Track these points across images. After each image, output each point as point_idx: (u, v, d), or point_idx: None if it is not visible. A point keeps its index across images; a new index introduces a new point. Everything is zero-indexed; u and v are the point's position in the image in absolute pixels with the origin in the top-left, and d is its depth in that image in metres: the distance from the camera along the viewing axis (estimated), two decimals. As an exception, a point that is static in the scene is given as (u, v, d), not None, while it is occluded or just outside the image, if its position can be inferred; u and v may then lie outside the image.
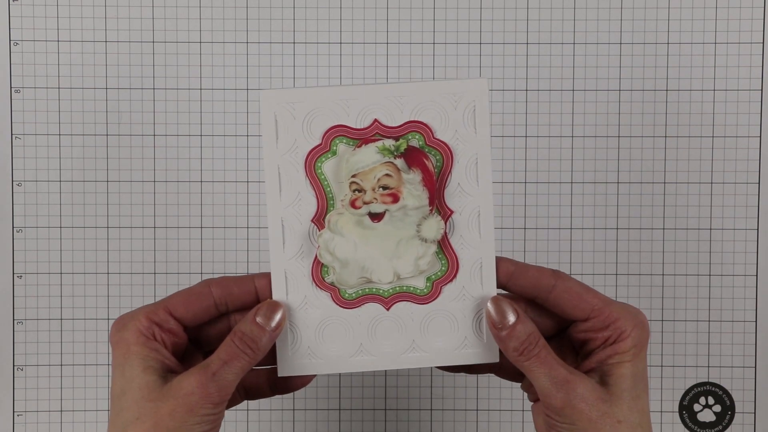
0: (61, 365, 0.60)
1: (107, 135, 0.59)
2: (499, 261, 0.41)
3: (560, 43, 0.59)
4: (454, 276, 0.41)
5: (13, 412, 0.59)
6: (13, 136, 0.59)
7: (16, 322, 0.59)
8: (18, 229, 0.59)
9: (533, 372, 0.39)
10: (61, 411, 0.60)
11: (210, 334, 0.42)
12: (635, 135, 0.59)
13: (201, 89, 0.59)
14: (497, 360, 0.42)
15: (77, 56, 0.59)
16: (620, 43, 0.59)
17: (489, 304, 0.40)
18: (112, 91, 0.59)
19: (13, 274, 0.59)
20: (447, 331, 0.41)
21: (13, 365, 0.59)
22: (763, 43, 0.59)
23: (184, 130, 0.59)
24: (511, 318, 0.39)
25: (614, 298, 0.60)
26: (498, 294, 0.41)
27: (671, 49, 0.59)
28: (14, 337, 0.59)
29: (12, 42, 0.58)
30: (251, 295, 0.41)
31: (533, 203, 0.59)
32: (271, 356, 0.41)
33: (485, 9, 0.59)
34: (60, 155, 0.59)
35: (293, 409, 0.60)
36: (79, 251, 0.59)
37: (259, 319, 0.39)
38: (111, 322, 0.59)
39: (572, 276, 0.59)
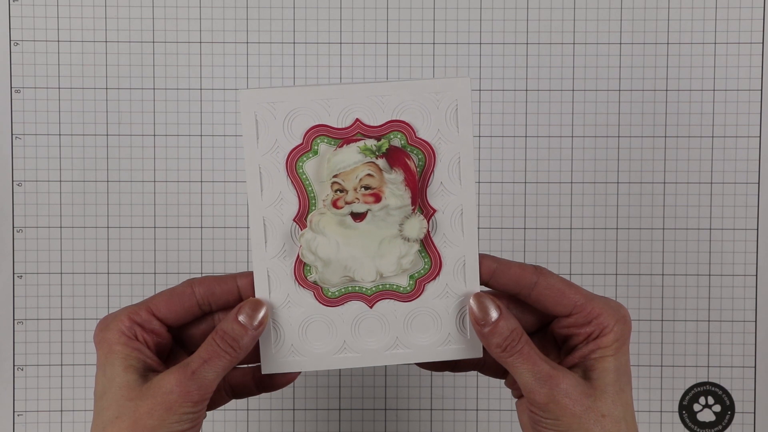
0: (61, 365, 0.60)
1: (107, 135, 0.59)
2: (482, 258, 0.41)
3: (560, 43, 0.59)
4: (437, 274, 0.41)
5: (13, 412, 0.59)
6: (13, 136, 0.59)
7: (16, 322, 0.59)
8: (18, 229, 0.59)
9: (516, 368, 0.39)
10: (61, 411, 0.60)
11: (194, 334, 0.42)
12: (635, 135, 0.59)
13: (201, 89, 0.59)
14: (480, 355, 0.42)
15: (77, 56, 0.59)
16: (620, 43, 0.59)
17: (471, 301, 0.40)
18: (112, 91, 0.59)
19: (13, 274, 0.59)
20: (430, 328, 0.41)
21: (13, 365, 0.59)
22: (763, 43, 0.59)
23: (184, 130, 0.59)
24: (494, 314, 0.39)
25: (614, 298, 0.60)
26: (481, 291, 0.41)
27: (671, 49, 0.59)
28: (14, 337, 0.59)
29: (12, 42, 0.59)
30: (234, 295, 0.41)
31: (533, 203, 0.59)
32: (255, 354, 0.41)
33: (485, 9, 0.59)
34: (60, 155, 0.59)
35: (293, 409, 0.60)
36: (79, 251, 0.59)
37: (241, 318, 0.39)
38: (111, 322, 0.59)
39: (572, 275, 0.60)
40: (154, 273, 0.59)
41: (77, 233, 0.59)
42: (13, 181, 0.59)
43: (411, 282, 0.41)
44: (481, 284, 0.41)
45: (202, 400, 0.39)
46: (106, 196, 0.59)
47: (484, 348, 0.41)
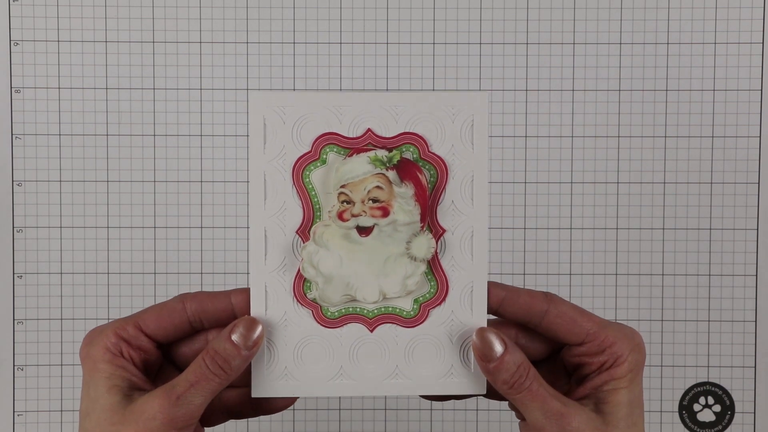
0: (61, 365, 0.60)
1: (107, 135, 0.59)
2: (490, 286, 0.39)
3: (560, 43, 0.59)
4: (443, 299, 0.39)
5: (13, 412, 0.59)
6: (13, 136, 0.59)
7: (16, 322, 0.59)
8: (18, 229, 0.59)
9: (525, 405, 0.37)
10: (61, 411, 0.60)
11: (185, 353, 0.40)
12: (635, 135, 0.59)
13: (201, 89, 0.59)
14: (484, 392, 0.40)
15: (77, 56, 0.59)
16: (620, 43, 0.59)
17: (474, 336, 0.38)
18: (112, 91, 0.59)
19: (13, 274, 0.59)
20: (432, 358, 0.39)
21: (13, 365, 0.59)
22: (763, 43, 0.59)
23: (184, 130, 0.59)
24: (499, 349, 0.37)
25: (614, 298, 0.60)
26: (487, 324, 0.39)
27: (671, 49, 0.59)
28: (14, 337, 0.59)
29: (12, 42, 0.59)
30: (227, 312, 0.39)
31: (533, 203, 0.59)
32: (246, 377, 0.39)
33: (485, 9, 0.59)
34: (60, 155, 0.59)
35: (293, 409, 0.60)
36: (79, 251, 0.59)
37: (234, 337, 0.37)
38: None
39: (572, 275, 0.60)
40: (154, 273, 0.59)
41: (77, 233, 0.59)
42: (13, 181, 0.59)
43: (415, 306, 0.39)
44: (489, 312, 0.39)
45: (188, 426, 0.37)
46: (106, 196, 0.59)
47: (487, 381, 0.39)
